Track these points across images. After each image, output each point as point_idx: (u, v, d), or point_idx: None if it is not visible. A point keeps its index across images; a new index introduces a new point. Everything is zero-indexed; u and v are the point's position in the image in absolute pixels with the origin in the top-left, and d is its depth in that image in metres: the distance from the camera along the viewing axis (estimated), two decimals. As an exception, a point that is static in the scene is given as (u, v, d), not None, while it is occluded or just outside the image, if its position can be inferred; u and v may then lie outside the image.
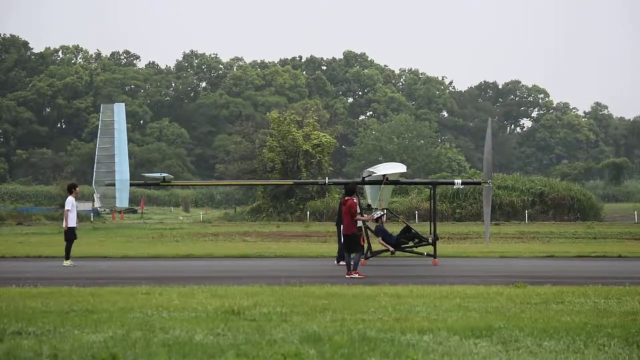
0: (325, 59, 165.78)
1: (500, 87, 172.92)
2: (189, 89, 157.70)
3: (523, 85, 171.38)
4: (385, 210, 28.82)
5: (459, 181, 28.45)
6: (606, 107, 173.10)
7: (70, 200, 25.61)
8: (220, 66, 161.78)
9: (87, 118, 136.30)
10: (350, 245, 21.27)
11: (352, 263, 20.93)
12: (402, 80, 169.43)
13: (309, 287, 16.60)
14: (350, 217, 21.35)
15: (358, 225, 23.02)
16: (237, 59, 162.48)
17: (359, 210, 22.83)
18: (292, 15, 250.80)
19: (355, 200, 21.89)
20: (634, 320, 12.07)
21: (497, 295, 15.05)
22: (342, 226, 25.00)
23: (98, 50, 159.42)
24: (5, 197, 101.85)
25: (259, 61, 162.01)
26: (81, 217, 71.95)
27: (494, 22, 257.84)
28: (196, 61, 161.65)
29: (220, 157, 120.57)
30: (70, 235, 25.39)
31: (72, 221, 25.46)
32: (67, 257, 25.09)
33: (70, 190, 26.23)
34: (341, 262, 25.26)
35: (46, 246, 34.17)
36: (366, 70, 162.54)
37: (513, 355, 9.53)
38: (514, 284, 17.10)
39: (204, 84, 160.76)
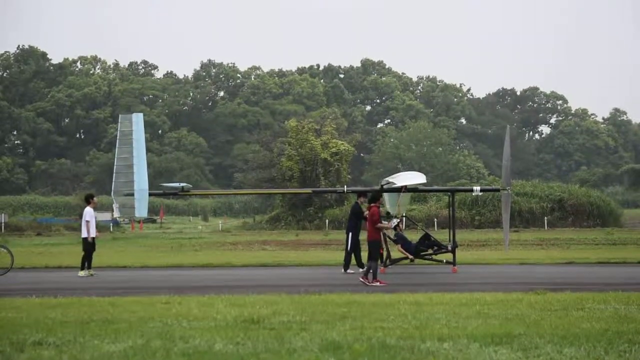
0: (342, 67, 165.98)
1: (518, 93, 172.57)
2: (207, 98, 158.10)
3: (541, 92, 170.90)
4: (404, 218, 28.78)
5: (478, 188, 28.35)
6: (625, 113, 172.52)
7: (88, 211, 25.73)
8: (238, 75, 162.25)
9: (106, 128, 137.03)
10: (371, 252, 21.27)
11: (371, 271, 20.88)
12: (419, 87, 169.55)
13: (329, 296, 16.57)
14: (372, 224, 21.34)
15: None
16: (255, 68, 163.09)
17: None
18: (309, 24, 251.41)
19: (378, 208, 21.84)
20: (656, 326, 11.98)
21: (516, 302, 14.98)
22: (351, 233, 25.25)
23: (116, 61, 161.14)
24: (24, 207, 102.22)
25: (276, 70, 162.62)
26: (100, 227, 72.63)
27: (512, 29, 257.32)
28: (214, 70, 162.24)
29: (239, 166, 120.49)
30: (88, 245, 25.50)
31: (91, 231, 25.59)
32: (85, 267, 25.22)
33: (88, 200, 26.33)
34: (349, 271, 25.26)
35: (66, 256, 34.27)
36: (384, 78, 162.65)
37: (533, 363, 9.48)
38: (534, 290, 17.05)
39: (221, 93, 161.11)
